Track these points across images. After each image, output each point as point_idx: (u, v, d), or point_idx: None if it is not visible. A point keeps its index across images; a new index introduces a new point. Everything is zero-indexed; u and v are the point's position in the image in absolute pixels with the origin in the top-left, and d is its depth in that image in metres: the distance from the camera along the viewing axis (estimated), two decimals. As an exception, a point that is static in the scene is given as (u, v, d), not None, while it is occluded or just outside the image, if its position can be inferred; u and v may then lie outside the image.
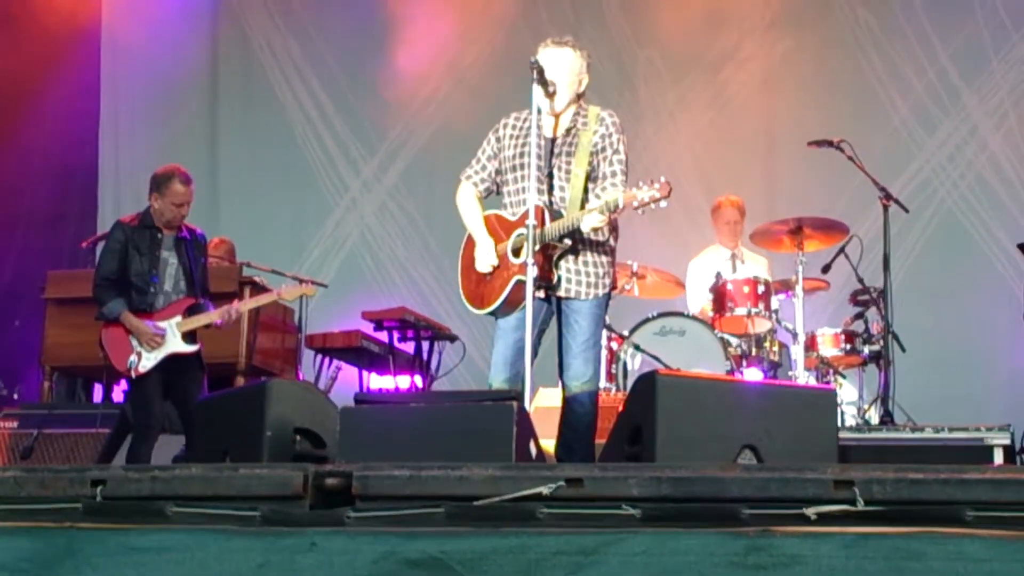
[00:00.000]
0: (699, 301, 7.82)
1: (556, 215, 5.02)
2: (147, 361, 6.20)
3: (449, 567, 2.86)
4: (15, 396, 8.68)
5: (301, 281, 7.19)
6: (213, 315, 6.34)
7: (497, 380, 5.07)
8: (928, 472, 3.01)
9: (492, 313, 5.15)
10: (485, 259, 5.14)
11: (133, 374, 6.20)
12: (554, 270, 5.06)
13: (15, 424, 7.05)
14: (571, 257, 5.08)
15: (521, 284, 4.91)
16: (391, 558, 2.90)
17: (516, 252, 5.04)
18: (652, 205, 4.90)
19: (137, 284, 6.29)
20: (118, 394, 7.33)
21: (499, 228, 5.18)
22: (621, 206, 4.90)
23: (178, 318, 6.31)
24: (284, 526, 3.10)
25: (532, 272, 4.82)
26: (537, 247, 4.88)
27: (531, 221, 4.85)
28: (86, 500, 3.27)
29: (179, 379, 6.29)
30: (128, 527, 3.12)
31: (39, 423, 6.87)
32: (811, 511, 2.88)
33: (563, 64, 5.11)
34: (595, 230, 4.99)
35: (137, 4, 10.62)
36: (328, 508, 3.24)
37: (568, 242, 5.03)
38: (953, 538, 2.76)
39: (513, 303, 5.03)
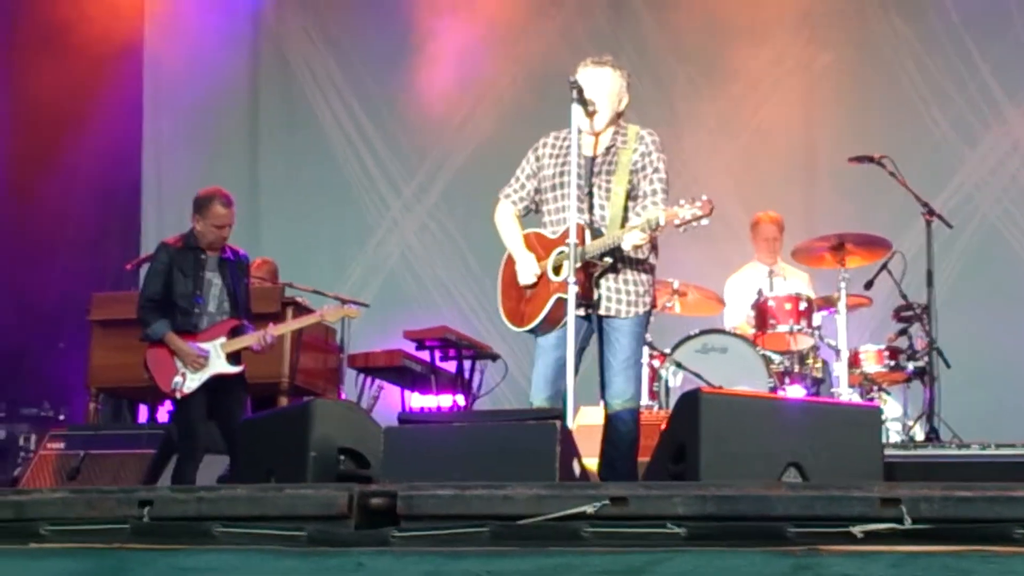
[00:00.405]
0: (737, 317, 7.79)
1: (596, 233, 5.03)
2: (191, 382, 6.24)
3: (495, 587, 2.86)
4: (61, 417, 8.76)
5: (343, 301, 7.22)
6: (249, 339, 6.36)
7: (538, 398, 5.07)
8: (976, 490, 2.98)
9: (532, 331, 5.15)
10: (527, 272, 5.14)
11: (178, 395, 6.23)
12: (595, 288, 5.06)
13: (62, 445, 7.10)
14: (611, 275, 5.08)
15: (562, 302, 4.91)
16: (437, 578, 2.91)
17: (556, 270, 5.05)
18: (694, 223, 4.89)
19: (181, 305, 6.34)
20: (163, 415, 7.38)
21: (538, 246, 5.19)
22: (663, 224, 4.90)
23: (222, 339, 6.35)
24: (330, 546, 3.11)
25: (573, 290, 4.82)
26: (578, 265, 4.88)
27: (572, 239, 4.86)
28: (134, 521, 3.30)
29: (223, 399, 6.33)
30: (175, 548, 3.14)
31: (85, 444, 6.92)
32: (858, 529, 2.86)
33: (602, 84, 5.12)
34: (636, 248, 4.99)
35: (178, 26, 10.72)
36: (373, 528, 3.24)
37: (609, 260, 5.02)
38: (1002, 557, 2.73)
39: (554, 321, 5.03)
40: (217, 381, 6.29)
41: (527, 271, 5.13)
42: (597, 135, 5.14)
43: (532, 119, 8.85)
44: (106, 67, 10.10)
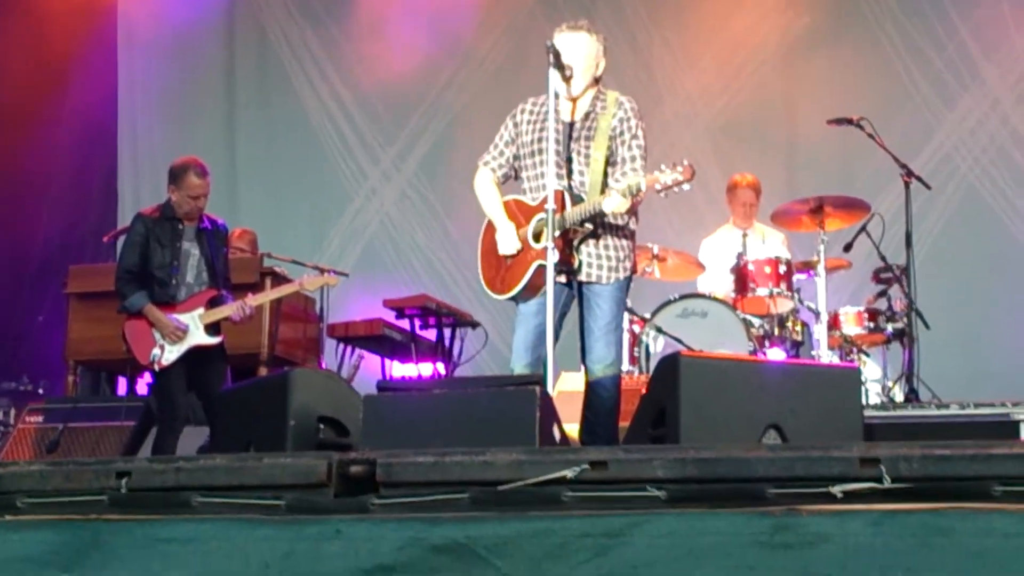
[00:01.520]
0: (712, 281, 7.78)
1: (576, 199, 5.01)
2: (170, 354, 6.21)
3: (474, 552, 2.86)
4: (40, 391, 8.73)
5: (322, 271, 7.19)
6: (227, 309, 6.34)
7: (519, 365, 5.06)
8: (955, 448, 2.98)
9: (513, 298, 5.15)
10: (508, 242, 5.12)
11: (156, 367, 6.21)
12: (575, 254, 5.05)
13: (40, 418, 7.09)
14: (592, 241, 5.07)
15: (542, 269, 4.89)
16: (416, 544, 2.90)
17: (536, 237, 5.03)
18: (675, 188, 4.89)
19: (159, 276, 6.30)
20: (142, 387, 7.35)
21: (519, 213, 5.17)
22: (644, 189, 4.89)
23: (200, 310, 6.31)
24: (309, 514, 3.10)
25: (553, 256, 4.81)
26: (558, 232, 4.86)
27: (550, 205, 4.84)
28: (111, 492, 3.28)
29: (202, 370, 6.31)
30: (154, 518, 3.13)
31: (64, 417, 6.91)
32: (837, 489, 2.86)
33: (579, 48, 5.09)
34: (616, 213, 4.98)
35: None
36: (352, 496, 3.23)
37: (589, 226, 5.01)
38: (982, 513, 2.74)
39: (534, 288, 5.03)
40: (196, 352, 6.27)
41: (508, 241, 5.11)
42: (575, 100, 5.12)
43: (511, 85, 8.85)
44: (80, 39, 10.03)
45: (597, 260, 5.08)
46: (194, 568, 2.95)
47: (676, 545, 2.77)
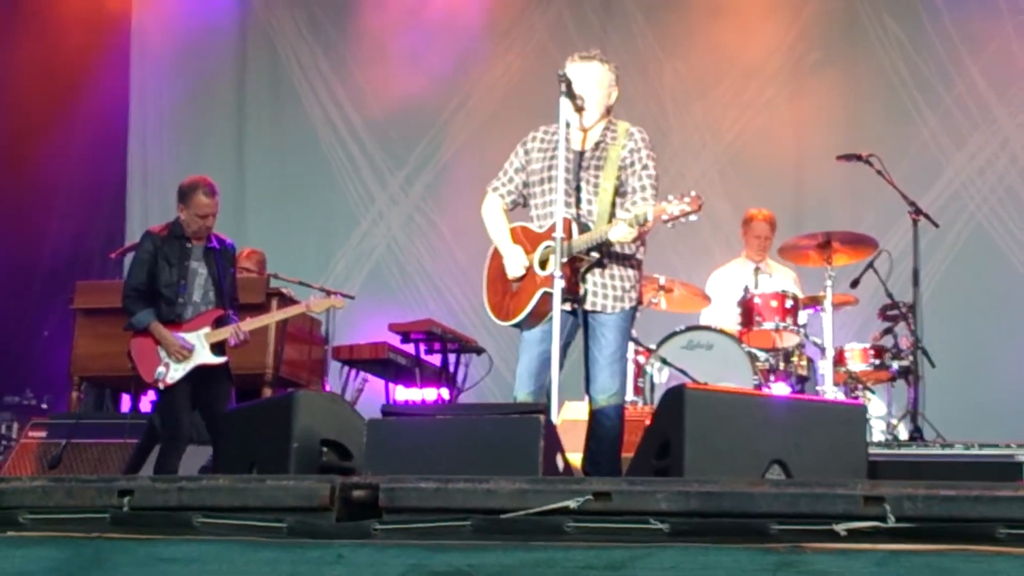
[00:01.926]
0: (718, 314, 7.77)
1: (584, 228, 5.01)
2: (175, 372, 6.21)
3: (477, 580, 2.85)
4: (43, 406, 8.73)
5: (328, 293, 7.19)
6: (226, 331, 6.32)
7: (522, 393, 5.06)
8: (960, 489, 2.97)
9: (517, 325, 5.14)
10: (515, 265, 5.12)
11: (161, 385, 6.20)
12: (581, 283, 5.05)
13: (43, 434, 7.09)
14: (598, 270, 5.07)
15: (547, 296, 4.90)
16: (418, 571, 2.89)
17: (543, 264, 5.04)
18: (682, 219, 4.88)
19: (166, 295, 6.30)
20: (146, 404, 7.36)
21: (525, 240, 5.18)
22: (651, 219, 4.89)
23: (206, 329, 6.31)
24: (311, 538, 3.09)
25: (559, 284, 4.81)
26: (564, 259, 4.87)
27: (559, 233, 4.84)
28: (113, 510, 3.28)
29: (207, 390, 6.30)
30: (156, 538, 3.12)
31: (67, 433, 6.90)
32: (841, 527, 2.85)
33: (591, 78, 5.11)
34: (623, 243, 4.98)
35: (166, 15, 10.69)
36: (355, 520, 3.23)
37: (595, 255, 5.02)
38: (986, 556, 2.73)
39: (539, 315, 5.02)
40: (201, 371, 6.26)
41: (515, 263, 5.11)
42: (586, 130, 5.13)
43: (520, 112, 8.87)
44: (92, 56, 10.07)
45: (603, 289, 5.08)
46: (195, 589, 2.95)
47: (679, 579, 2.76)
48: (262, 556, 3.00)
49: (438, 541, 3.01)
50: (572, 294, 5.01)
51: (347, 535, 3.10)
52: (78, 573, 3.02)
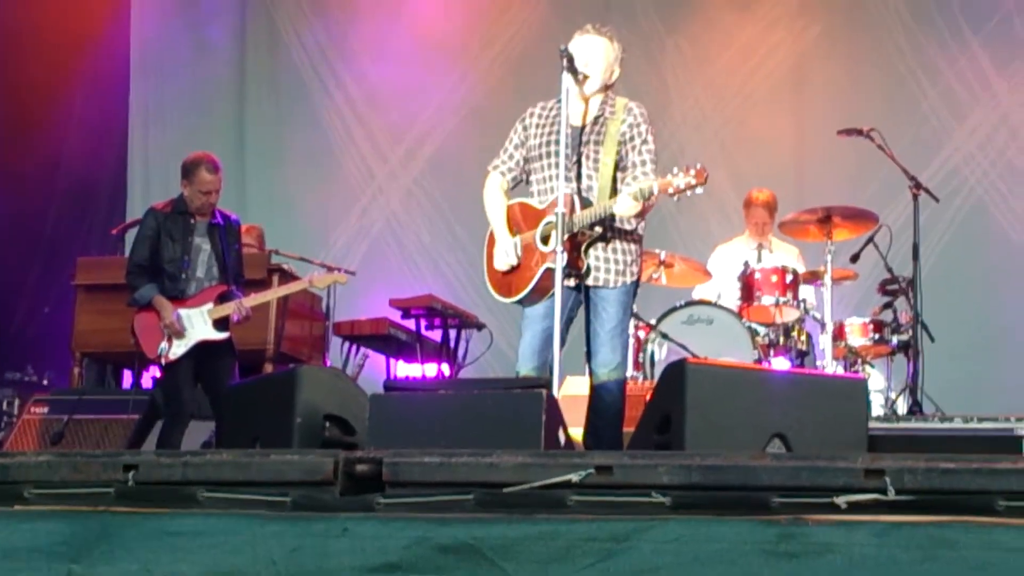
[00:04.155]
0: (714, 290, 7.78)
1: (585, 203, 5.02)
2: (177, 348, 6.22)
3: (481, 553, 2.87)
4: (45, 382, 8.75)
5: (329, 269, 7.20)
6: (229, 307, 6.32)
7: (525, 368, 5.07)
8: (959, 461, 2.99)
9: (519, 302, 5.15)
10: (505, 257, 5.13)
11: (163, 361, 6.22)
12: (583, 258, 5.05)
13: (46, 410, 7.10)
14: (600, 245, 5.07)
15: (550, 272, 4.90)
16: (423, 544, 2.91)
17: (544, 240, 5.04)
18: (687, 192, 4.88)
19: (169, 271, 6.31)
20: (147, 380, 7.38)
21: (526, 216, 5.18)
22: (656, 193, 4.89)
23: (209, 305, 6.31)
24: (315, 512, 3.11)
25: (561, 260, 4.81)
26: (566, 235, 4.87)
27: (560, 209, 4.85)
28: (119, 484, 3.29)
29: (210, 365, 6.31)
30: (161, 511, 3.14)
31: (70, 409, 6.92)
32: (842, 500, 2.87)
33: (598, 51, 5.11)
34: (626, 218, 4.99)
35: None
36: (358, 495, 3.24)
37: (598, 230, 5.02)
38: (985, 527, 2.75)
39: (541, 291, 5.03)
40: (204, 347, 6.28)
41: (505, 256, 5.11)
42: (587, 100, 5.12)
43: (520, 86, 8.88)
44: (92, 32, 10.04)
45: (605, 264, 5.08)
46: (202, 562, 2.96)
47: (681, 551, 2.77)
48: (267, 530, 3.02)
49: (442, 515, 3.03)
50: (575, 269, 5.01)
51: (351, 509, 3.12)
52: (86, 547, 3.04)
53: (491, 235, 5.29)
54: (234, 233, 6.55)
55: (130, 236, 7.13)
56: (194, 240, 6.36)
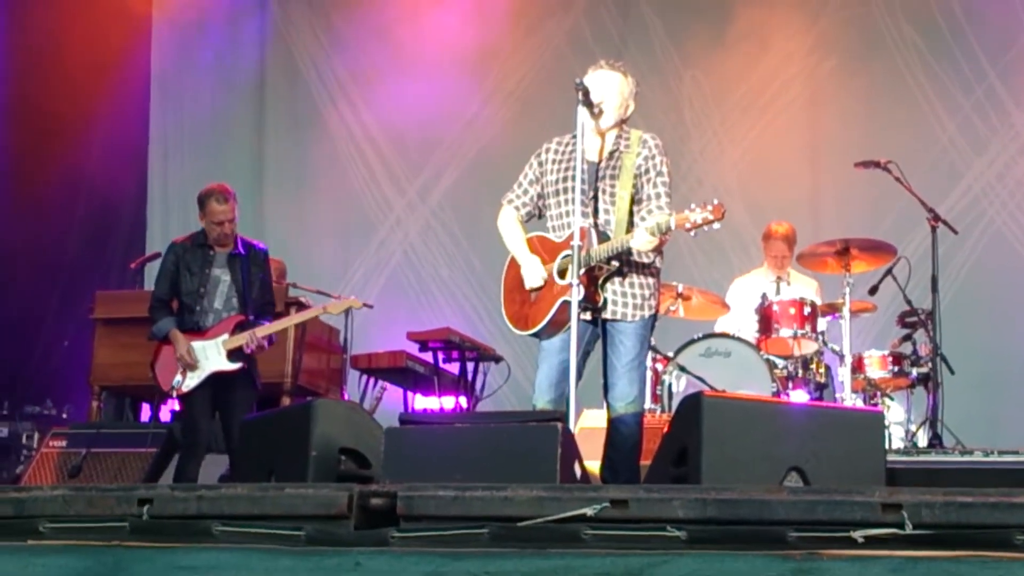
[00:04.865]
0: (734, 322, 7.75)
1: (602, 237, 5.01)
2: (191, 380, 6.21)
3: (494, 588, 2.86)
4: (64, 416, 8.76)
5: (345, 300, 7.20)
6: (241, 338, 6.29)
7: (541, 401, 5.05)
8: (977, 496, 2.97)
9: (536, 335, 5.14)
10: (533, 275, 5.12)
11: (174, 394, 6.21)
12: (600, 292, 5.04)
13: (64, 443, 7.11)
14: (617, 279, 5.07)
15: (566, 305, 4.89)
16: (436, 578, 2.90)
17: (561, 274, 5.03)
18: (704, 227, 4.88)
19: (187, 303, 6.32)
20: (165, 414, 7.38)
21: (543, 250, 5.17)
22: (673, 227, 4.89)
23: (225, 336, 6.29)
24: (329, 546, 3.10)
25: (578, 293, 4.81)
26: (583, 268, 4.87)
27: (576, 242, 4.85)
28: (133, 519, 3.30)
29: (224, 397, 6.29)
30: (175, 546, 3.14)
31: (88, 442, 6.92)
32: (858, 534, 2.85)
33: (612, 86, 5.11)
34: (642, 252, 4.99)
35: (186, 26, 10.74)
36: (372, 528, 3.24)
37: (615, 264, 5.02)
38: (1003, 562, 2.72)
39: (558, 324, 5.02)
40: (219, 378, 6.26)
41: (534, 274, 5.11)
42: (603, 134, 5.13)
43: (538, 121, 8.89)
44: (114, 67, 10.11)
45: (623, 298, 5.07)
46: (215, 597, 2.96)
47: (695, 586, 2.76)
48: (280, 564, 3.02)
49: (456, 549, 3.02)
50: (592, 303, 5.00)
51: (365, 543, 3.11)
52: (99, 581, 3.04)
53: (508, 266, 5.28)
54: (260, 262, 6.50)
55: (149, 268, 7.14)
56: (212, 272, 6.36)
